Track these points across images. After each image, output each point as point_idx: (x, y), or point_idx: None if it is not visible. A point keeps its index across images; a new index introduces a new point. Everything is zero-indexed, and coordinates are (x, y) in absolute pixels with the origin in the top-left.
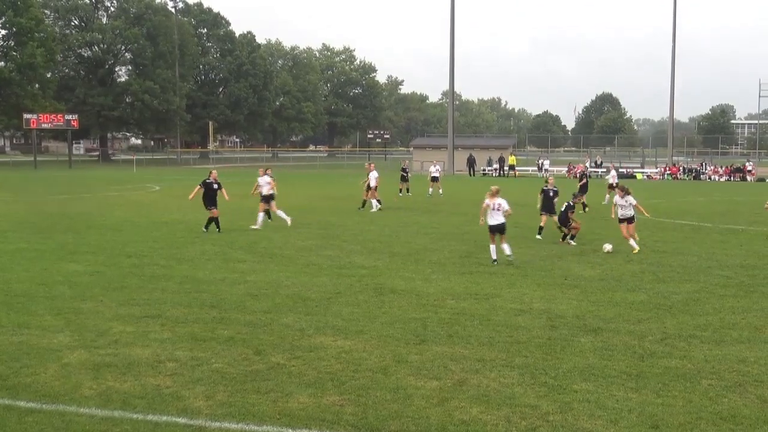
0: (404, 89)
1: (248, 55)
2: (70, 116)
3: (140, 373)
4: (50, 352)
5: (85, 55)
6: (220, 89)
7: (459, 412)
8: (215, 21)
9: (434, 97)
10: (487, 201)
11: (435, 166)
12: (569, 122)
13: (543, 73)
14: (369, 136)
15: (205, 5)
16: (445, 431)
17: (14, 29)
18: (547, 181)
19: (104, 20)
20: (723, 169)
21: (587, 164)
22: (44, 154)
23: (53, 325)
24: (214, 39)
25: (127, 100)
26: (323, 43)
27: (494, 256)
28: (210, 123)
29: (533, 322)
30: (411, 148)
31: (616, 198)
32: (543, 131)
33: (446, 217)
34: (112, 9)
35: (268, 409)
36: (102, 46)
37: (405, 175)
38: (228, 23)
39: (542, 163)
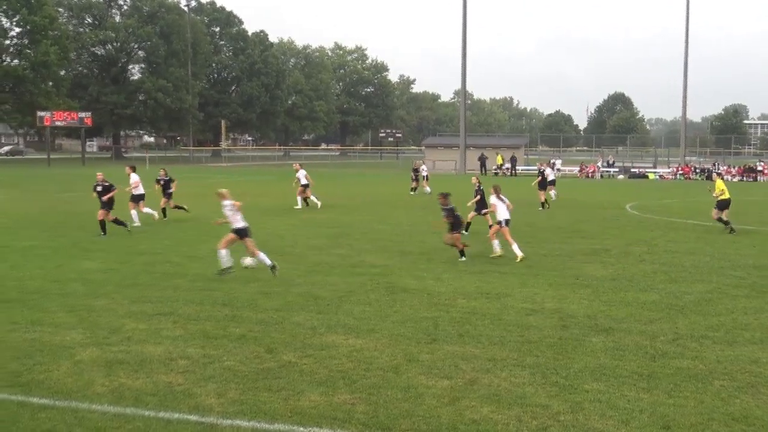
0: (416, 88)
1: (261, 53)
2: (84, 114)
3: (152, 371)
4: (63, 349)
5: (99, 53)
6: (233, 88)
7: (470, 411)
8: (228, 20)
9: (446, 96)
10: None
11: (423, 165)
12: (581, 122)
13: (553, 73)
14: (381, 135)
15: (218, 4)
16: (456, 430)
17: (28, 27)
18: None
19: (117, 18)
20: (735, 169)
21: (553, 162)
22: (58, 151)
23: (66, 323)
24: (226, 37)
25: (140, 98)
26: (335, 42)
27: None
28: (222, 121)
29: (544, 322)
30: (423, 147)
31: (494, 198)
32: (555, 131)
33: None
34: (126, 7)
35: (279, 407)
36: (115, 44)
37: (416, 175)
38: (241, 22)
39: (553, 163)
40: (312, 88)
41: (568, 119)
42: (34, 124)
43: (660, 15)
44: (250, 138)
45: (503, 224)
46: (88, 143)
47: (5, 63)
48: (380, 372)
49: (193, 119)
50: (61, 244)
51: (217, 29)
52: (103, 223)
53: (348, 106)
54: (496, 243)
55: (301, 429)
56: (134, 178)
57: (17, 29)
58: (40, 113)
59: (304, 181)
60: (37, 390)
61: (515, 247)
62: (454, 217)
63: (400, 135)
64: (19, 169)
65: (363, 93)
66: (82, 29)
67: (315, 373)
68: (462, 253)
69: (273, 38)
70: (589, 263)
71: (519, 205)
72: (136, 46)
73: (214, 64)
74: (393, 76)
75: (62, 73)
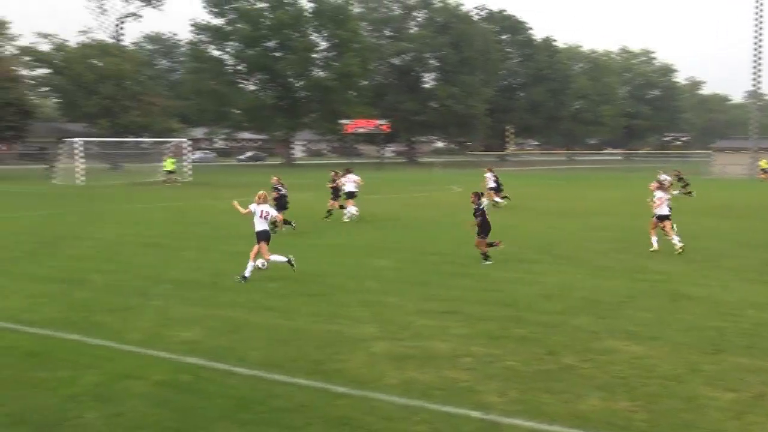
0: (705, 90)
1: (547, 59)
2: (381, 121)
3: (439, 366)
4: (359, 342)
5: (396, 63)
6: (519, 94)
7: (757, 427)
8: (516, 27)
9: (737, 98)
10: None
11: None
12: None
13: None
14: (666, 138)
15: (507, 12)
16: None
17: (335, 41)
18: None
19: (413, 30)
20: None
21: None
22: (357, 156)
23: (362, 317)
24: (514, 45)
25: (433, 105)
26: (621, 46)
27: None
28: (509, 127)
29: None
30: (711, 151)
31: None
32: None
33: (754, 223)
34: (421, 19)
35: (559, 409)
36: (411, 54)
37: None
38: (529, 28)
39: None
40: (597, 93)
41: None
42: (337, 131)
43: None
44: (535, 142)
45: (660, 219)
46: (384, 149)
47: (314, 75)
48: (661, 380)
49: (481, 125)
50: (359, 243)
51: (506, 37)
52: (281, 222)
53: (633, 109)
54: (675, 238)
55: None
56: (351, 178)
57: (325, 43)
58: (342, 121)
59: (491, 184)
60: (335, 378)
61: (675, 239)
62: (483, 218)
63: (687, 139)
64: (324, 174)
65: (649, 96)
66: (381, 41)
67: (595, 378)
68: (485, 257)
69: (560, 43)
70: None
71: None
72: (430, 55)
73: (502, 71)
74: (680, 78)
75: (363, 82)
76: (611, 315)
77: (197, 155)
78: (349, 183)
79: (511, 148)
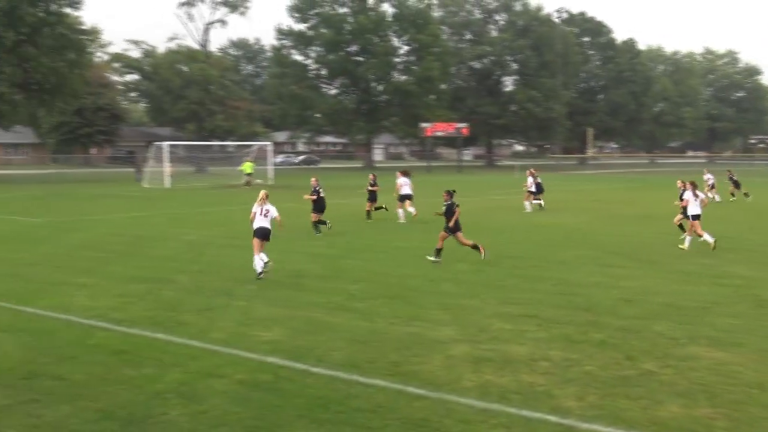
0: None
1: (629, 61)
2: (461, 125)
3: (516, 370)
4: (437, 344)
5: (476, 67)
6: (600, 96)
7: None
8: (597, 29)
9: None
10: None
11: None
12: None
13: None
14: (751, 141)
15: (589, 14)
16: None
17: (415, 45)
18: None
19: (494, 33)
20: None
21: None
22: (436, 159)
23: (440, 319)
24: (595, 47)
25: (512, 108)
26: (705, 47)
27: None
28: (589, 129)
29: None
30: None
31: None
32: None
33: None
34: (502, 22)
35: (637, 415)
36: (491, 58)
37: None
38: (610, 30)
39: None
40: (680, 95)
41: None
42: (417, 134)
43: None
44: (615, 145)
45: (692, 218)
46: (463, 152)
47: (395, 79)
48: (744, 388)
49: (561, 128)
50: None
51: (587, 39)
52: (316, 223)
53: (717, 111)
54: (707, 236)
55: None
56: (401, 181)
57: (405, 47)
58: (422, 124)
59: (532, 189)
60: (413, 380)
61: (707, 236)
62: (449, 214)
63: None
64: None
65: (733, 98)
66: (462, 45)
67: (675, 384)
68: (437, 253)
69: (642, 45)
70: None
71: None
72: (510, 58)
73: (582, 74)
74: (766, 80)
75: (443, 86)
76: (693, 320)
77: (279, 158)
78: (405, 186)
79: (591, 151)
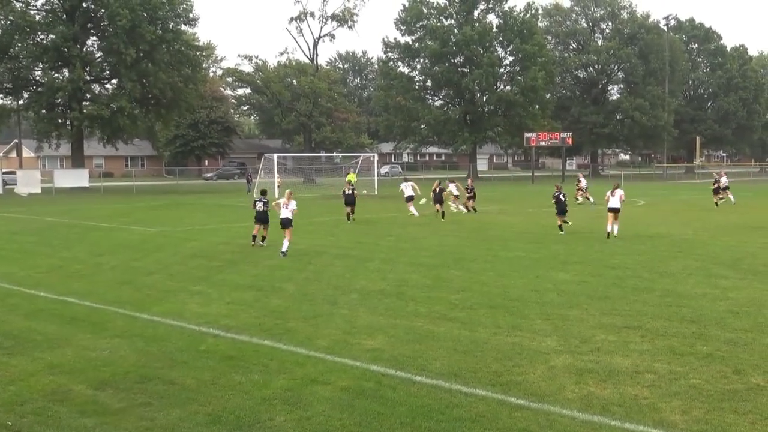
0: None
1: (739, 68)
2: (565, 134)
3: (619, 382)
4: (539, 355)
5: (581, 76)
6: (708, 104)
7: None
8: (706, 36)
9: None
10: None
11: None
12: None
13: None
14: None
15: (698, 21)
16: None
17: (520, 55)
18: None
19: (599, 42)
20: None
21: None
22: (541, 169)
23: (542, 330)
24: (704, 54)
25: (618, 117)
26: None
27: None
28: (696, 138)
29: None
30: None
31: None
32: None
33: None
34: (608, 31)
35: (745, 430)
36: (596, 66)
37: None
38: (720, 37)
39: None
40: None
41: None
42: (521, 144)
43: None
44: (724, 154)
45: None
46: (567, 161)
47: (499, 89)
48: None
49: (667, 136)
50: (542, 256)
51: (695, 46)
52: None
53: None
54: None
55: None
56: (403, 186)
57: (510, 58)
58: (526, 134)
59: (455, 192)
60: (514, 390)
61: None
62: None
63: None
64: (507, 187)
65: None
66: (566, 54)
67: None
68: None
69: (753, 51)
70: None
71: None
72: (615, 67)
73: (690, 81)
74: None
75: (547, 96)
76: None
77: (385, 169)
78: (407, 189)
79: (698, 160)
